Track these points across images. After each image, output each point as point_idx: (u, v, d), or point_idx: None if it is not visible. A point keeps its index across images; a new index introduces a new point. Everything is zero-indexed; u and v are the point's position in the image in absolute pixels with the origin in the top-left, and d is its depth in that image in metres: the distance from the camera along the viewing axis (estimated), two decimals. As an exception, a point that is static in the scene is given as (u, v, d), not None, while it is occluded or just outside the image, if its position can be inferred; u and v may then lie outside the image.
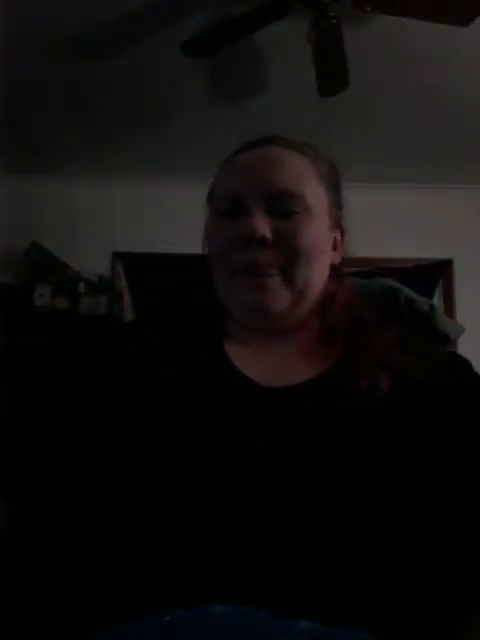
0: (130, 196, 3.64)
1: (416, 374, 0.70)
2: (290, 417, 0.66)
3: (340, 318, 0.79)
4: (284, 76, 2.70)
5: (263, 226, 0.73)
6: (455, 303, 3.49)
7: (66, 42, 2.55)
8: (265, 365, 0.74)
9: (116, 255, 3.58)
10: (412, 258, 3.39)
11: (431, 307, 0.94)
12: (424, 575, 0.56)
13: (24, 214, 3.51)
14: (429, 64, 2.66)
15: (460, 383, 0.73)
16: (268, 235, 0.73)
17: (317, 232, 0.77)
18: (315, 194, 0.77)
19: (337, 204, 0.82)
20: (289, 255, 0.74)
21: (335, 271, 0.82)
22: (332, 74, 2.42)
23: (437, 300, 3.40)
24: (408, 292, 0.95)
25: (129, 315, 3.43)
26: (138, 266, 3.56)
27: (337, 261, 0.83)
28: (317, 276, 0.78)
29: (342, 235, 0.83)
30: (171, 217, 3.55)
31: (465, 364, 0.77)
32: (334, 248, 0.82)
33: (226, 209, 0.77)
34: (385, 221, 3.38)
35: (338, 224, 0.83)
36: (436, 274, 3.54)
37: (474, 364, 0.78)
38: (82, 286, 3.34)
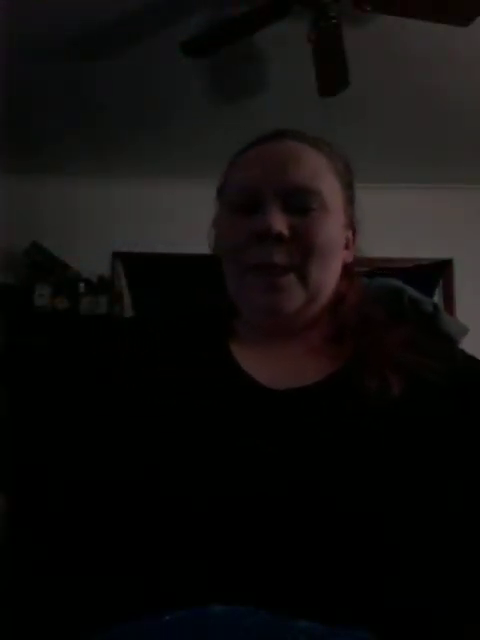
0: (130, 196, 3.64)
1: (427, 375, 0.68)
2: (296, 421, 0.64)
3: (350, 318, 0.77)
4: (284, 76, 2.70)
5: (279, 222, 0.71)
6: (455, 303, 3.49)
7: (66, 42, 2.55)
8: (272, 366, 0.72)
9: (116, 255, 3.59)
10: (412, 258, 3.39)
11: (435, 307, 0.92)
12: (425, 576, 0.56)
13: (24, 214, 3.51)
14: (429, 64, 2.66)
15: (473, 384, 0.70)
16: (284, 232, 0.71)
17: (333, 230, 0.75)
18: (331, 191, 0.76)
19: (351, 201, 0.81)
20: (305, 253, 0.72)
21: (347, 270, 0.80)
22: (332, 74, 2.42)
23: (437, 300, 3.40)
24: (412, 292, 0.93)
25: (129, 315, 3.44)
26: (138, 266, 3.56)
27: (349, 260, 0.81)
28: (331, 275, 0.76)
29: (354, 234, 0.82)
30: (171, 217, 3.56)
31: (478, 364, 0.74)
32: (346, 247, 0.80)
33: (240, 204, 0.75)
34: (385, 221, 3.38)
35: (351, 222, 0.81)
36: (436, 274, 3.54)
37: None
38: (82, 286, 3.34)
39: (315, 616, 0.50)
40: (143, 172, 3.58)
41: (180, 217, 3.55)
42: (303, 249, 0.72)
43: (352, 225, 0.81)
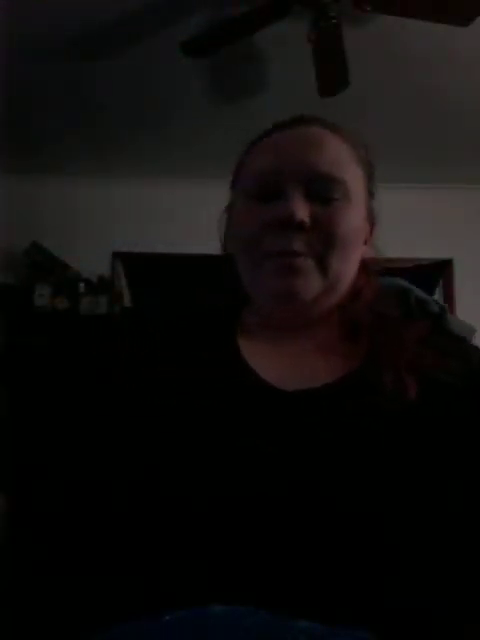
0: (130, 196, 3.64)
1: (443, 376, 0.65)
2: (306, 424, 0.61)
3: (364, 315, 0.74)
4: (284, 76, 2.71)
5: (302, 210, 0.68)
6: (455, 303, 3.49)
7: (66, 42, 2.55)
8: (281, 364, 0.69)
9: (116, 255, 3.59)
10: (412, 258, 3.39)
11: (442, 308, 0.90)
12: (427, 576, 0.55)
13: (24, 214, 3.51)
14: (429, 64, 2.66)
15: None
16: (306, 220, 0.68)
17: (355, 221, 0.72)
18: (354, 180, 0.73)
19: (372, 194, 0.78)
20: (326, 243, 0.69)
21: (364, 266, 0.77)
22: (332, 74, 2.42)
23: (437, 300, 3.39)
24: (418, 292, 0.90)
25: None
26: (138, 266, 3.56)
27: (367, 255, 0.78)
28: (350, 268, 0.73)
29: (372, 228, 0.79)
30: (171, 217, 3.56)
31: None
32: (364, 241, 0.77)
33: (258, 191, 0.72)
34: (385, 221, 3.37)
35: (371, 215, 0.78)
36: (436, 274, 3.54)
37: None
38: (82, 286, 3.34)
39: (315, 616, 0.50)
40: (143, 172, 3.58)
41: (180, 217, 3.55)
42: (324, 239, 0.69)
43: (371, 218, 0.78)
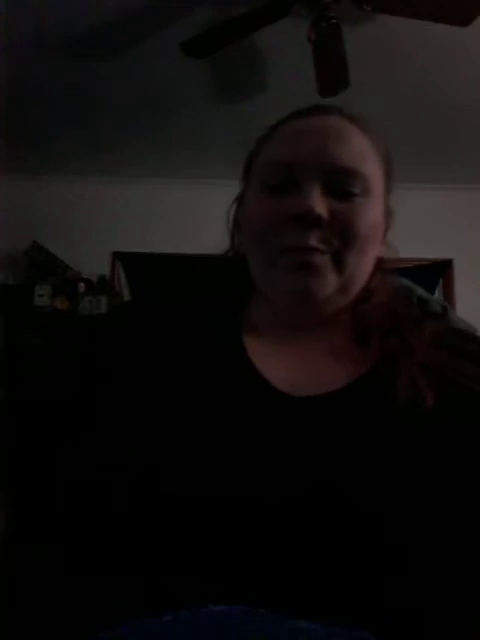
0: (130, 196, 3.64)
1: (461, 380, 0.61)
2: (317, 433, 0.58)
3: (377, 316, 0.70)
4: (284, 76, 2.71)
5: (320, 204, 0.64)
6: (455, 303, 3.49)
7: (66, 42, 2.55)
8: (290, 367, 0.65)
9: (116, 255, 3.59)
10: (412, 258, 3.39)
11: (444, 308, 0.89)
12: (428, 578, 0.55)
13: (24, 214, 3.51)
14: (429, 64, 2.66)
15: None
16: (325, 215, 0.64)
17: (374, 218, 0.69)
18: (375, 175, 0.70)
19: (389, 190, 0.74)
20: (343, 240, 0.66)
21: (379, 265, 0.74)
22: (332, 74, 2.42)
23: (437, 300, 3.39)
24: (421, 292, 0.88)
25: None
26: (138, 266, 3.57)
27: (383, 254, 0.74)
28: (366, 267, 0.70)
29: (387, 226, 0.75)
30: (171, 217, 3.56)
31: None
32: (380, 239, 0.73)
33: (275, 182, 0.68)
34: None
35: (388, 212, 0.74)
36: (436, 274, 3.54)
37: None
38: (82, 286, 3.35)
39: (315, 616, 0.50)
40: (143, 172, 3.59)
41: (180, 217, 3.56)
42: (342, 236, 0.66)
43: (388, 215, 0.75)
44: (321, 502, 0.55)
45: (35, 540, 0.63)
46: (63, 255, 3.44)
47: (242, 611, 0.50)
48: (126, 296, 3.56)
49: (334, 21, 2.16)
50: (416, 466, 0.56)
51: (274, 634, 0.49)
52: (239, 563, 0.53)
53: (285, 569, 0.53)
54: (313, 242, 0.65)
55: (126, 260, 3.59)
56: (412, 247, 3.51)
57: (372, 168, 0.69)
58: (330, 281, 0.66)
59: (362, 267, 0.69)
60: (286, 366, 0.65)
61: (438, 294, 3.53)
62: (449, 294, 3.55)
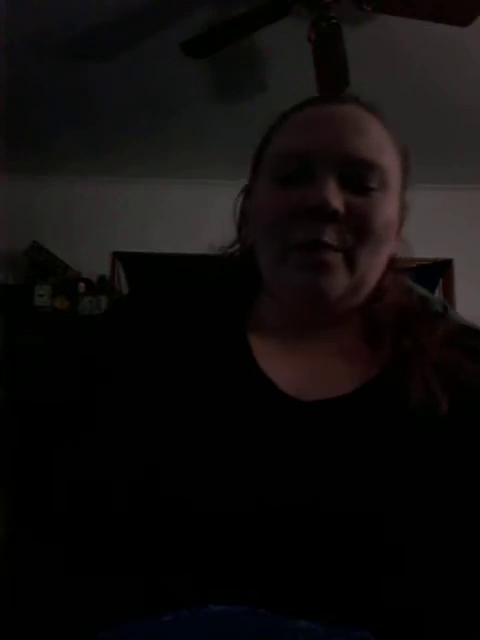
0: (130, 196, 3.64)
1: (475, 380, 0.59)
2: (327, 441, 0.56)
3: (388, 316, 0.67)
4: (284, 76, 2.70)
5: (337, 198, 0.61)
6: (455, 303, 3.49)
7: (66, 42, 2.55)
8: (298, 369, 0.63)
9: (116, 255, 3.59)
10: (412, 258, 3.39)
11: (445, 307, 0.88)
12: (428, 578, 0.55)
13: (24, 214, 3.51)
14: (429, 64, 2.66)
15: None
16: (341, 209, 0.61)
17: (391, 214, 0.65)
18: (392, 168, 0.66)
19: (406, 186, 0.70)
20: (358, 237, 0.62)
21: (392, 263, 0.70)
22: (332, 74, 2.41)
23: (437, 300, 3.39)
24: (421, 290, 0.84)
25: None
26: (138, 266, 3.57)
27: (396, 252, 0.71)
28: (379, 265, 0.67)
29: (402, 222, 0.72)
30: (171, 217, 3.56)
31: None
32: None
33: (287, 173, 0.64)
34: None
35: (403, 208, 0.71)
36: (436, 274, 3.54)
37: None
38: (82, 286, 3.35)
39: (315, 616, 0.50)
40: (143, 172, 3.59)
41: (180, 217, 3.56)
42: (357, 232, 0.62)
43: (403, 212, 0.71)
44: (325, 506, 0.54)
45: (35, 540, 0.63)
46: (63, 255, 3.44)
47: (242, 611, 0.50)
48: (126, 296, 3.56)
49: (334, 21, 2.16)
50: (426, 472, 0.55)
51: (274, 634, 0.49)
52: (239, 563, 0.53)
53: (285, 569, 0.53)
54: (327, 238, 0.61)
55: (126, 260, 3.59)
56: (412, 247, 3.51)
57: (390, 161, 0.66)
58: (342, 280, 0.63)
59: (376, 266, 0.66)
60: (292, 367, 0.63)
61: (438, 294, 3.53)
62: (449, 294, 3.55)
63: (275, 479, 0.55)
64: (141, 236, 3.53)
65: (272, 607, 0.50)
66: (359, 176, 0.63)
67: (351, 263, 0.63)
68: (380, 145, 0.65)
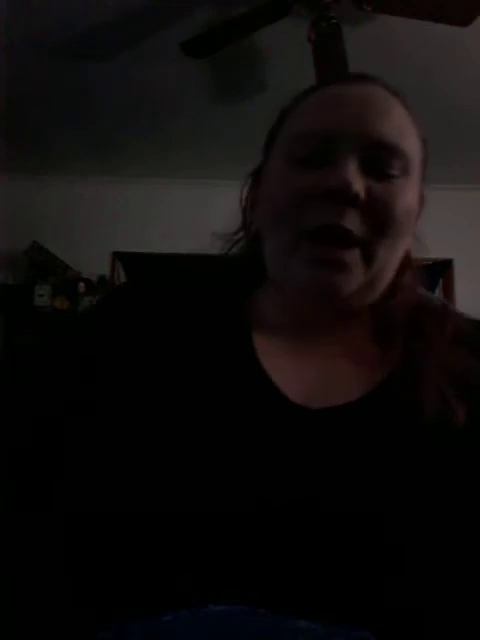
0: (130, 196, 3.64)
1: None
2: (336, 452, 0.53)
3: (399, 315, 0.63)
4: (284, 76, 2.70)
5: (359, 181, 0.56)
6: (455, 303, 3.49)
7: (66, 42, 2.55)
8: (304, 372, 0.59)
9: (116, 255, 3.59)
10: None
11: (445, 306, 0.86)
12: (429, 578, 0.55)
13: (24, 214, 3.51)
14: (429, 64, 2.66)
15: None
16: (362, 194, 0.56)
17: (412, 203, 0.62)
18: (415, 157, 0.62)
19: (424, 178, 0.66)
20: (378, 226, 0.58)
21: (407, 260, 0.67)
22: (332, 74, 2.41)
23: (437, 300, 3.40)
24: (420, 289, 0.82)
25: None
26: (138, 266, 3.57)
27: (410, 246, 0.67)
28: (395, 259, 0.63)
29: (418, 216, 0.68)
30: (171, 217, 3.56)
31: None
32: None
33: (304, 154, 0.59)
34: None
35: (422, 201, 0.67)
36: (436, 274, 3.54)
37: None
38: (82, 286, 3.35)
39: (316, 616, 0.50)
40: (143, 172, 3.58)
41: (180, 217, 3.56)
42: (378, 221, 0.58)
43: (421, 204, 0.67)
44: (326, 508, 0.54)
45: (34, 540, 0.63)
46: (63, 255, 3.44)
47: (242, 611, 0.50)
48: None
49: (334, 21, 2.16)
50: (433, 479, 0.53)
51: (274, 634, 0.49)
52: (239, 563, 0.53)
53: (286, 569, 0.53)
54: (346, 223, 0.56)
55: (126, 260, 3.59)
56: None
57: (413, 147, 0.62)
58: (357, 277, 0.58)
59: (392, 260, 0.62)
60: (297, 369, 0.60)
61: (438, 294, 3.53)
62: (449, 294, 3.55)
63: (276, 481, 0.54)
64: (141, 236, 3.54)
65: (272, 607, 0.50)
66: (381, 161, 0.59)
67: (368, 259, 0.58)
68: (402, 129, 0.61)
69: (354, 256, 0.58)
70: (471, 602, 0.55)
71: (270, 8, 2.17)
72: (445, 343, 0.60)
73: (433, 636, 0.53)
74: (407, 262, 0.67)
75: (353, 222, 0.57)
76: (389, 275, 0.63)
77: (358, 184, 0.56)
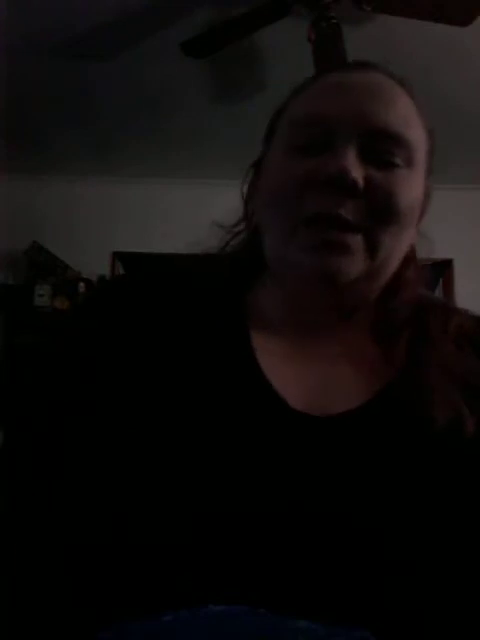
0: (130, 196, 3.64)
1: None
2: (340, 459, 0.52)
3: (403, 314, 0.61)
4: (284, 76, 2.70)
5: (357, 169, 0.55)
6: (455, 303, 3.49)
7: (66, 42, 2.55)
8: (302, 373, 0.58)
9: (116, 255, 3.59)
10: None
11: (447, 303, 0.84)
12: (429, 578, 0.55)
13: (24, 214, 3.51)
14: (429, 64, 2.66)
15: None
16: (360, 182, 0.55)
17: (416, 194, 0.60)
18: (420, 146, 0.60)
19: (430, 171, 0.64)
20: (379, 216, 0.56)
21: (411, 255, 0.65)
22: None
23: (437, 300, 3.40)
24: (420, 289, 0.84)
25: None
26: (138, 266, 3.57)
27: (415, 241, 0.66)
28: (400, 251, 0.61)
29: (423, 210, 0.66)
30: (171, 217, 3.56)
31: None
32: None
33: (304, 141, 0.58)
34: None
35: (428, 195, 0.65)
36: (436, 274, 3.54)
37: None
38: (82, 286, 3.35)
39: (316, 616, 0.50)
40: (143, 172, 3.58)
41: (180, 217, 3.56)
42: (378, 210, 0.56)
43: (426, 198, 0.65)
44: (327, 510, 0.53)
45: (34, 540, 0.63)
46: (63, 255, 3.44)
47: (242, 611, 0.50)
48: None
49: (334, 21, 2.16)
50: (437, 488, 0.52)
51: (274, 634, 0.49)
52: (240, 563, 0.53)
53: (286, 569, 0.53)
54: (345, 212, 0.55)
55: (126, 260, 3.59)
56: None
57: (417, 137, 0.60)
58: (359, 263, 0.56)
59: (396, 251, 0.60)
60: (297, 371, 0.58)
61: (438, 294, 3.53)
62: (449, 294, 3.55)
63: (277, 484, 0.54)
64: (141, 236, 3.54)
65: (272, 607, 0.50)
66: (383, 149, 0.57)
67: (372, 246, 0.56)
68: (408, 119, 0.60)
69: (356, 241, 0.56)
70: (471, 603, 0.55)
71: (270, 8, 2.17)
72: (449, 343, 0.59)
73: (433, 636, 0.53)
74: (412, 256, 0.66)
75: (352, 211, 0.55)
76: (393, 266, 0.61)
77: (357, 172, 0.55)
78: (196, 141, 3.25)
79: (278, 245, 0.60)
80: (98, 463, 0.59)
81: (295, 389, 0.56)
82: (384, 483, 0.52)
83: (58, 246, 3.44)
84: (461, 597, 0.55)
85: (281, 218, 0.58)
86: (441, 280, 3.60)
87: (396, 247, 0.59)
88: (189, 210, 3.55)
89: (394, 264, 0.61)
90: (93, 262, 3.48)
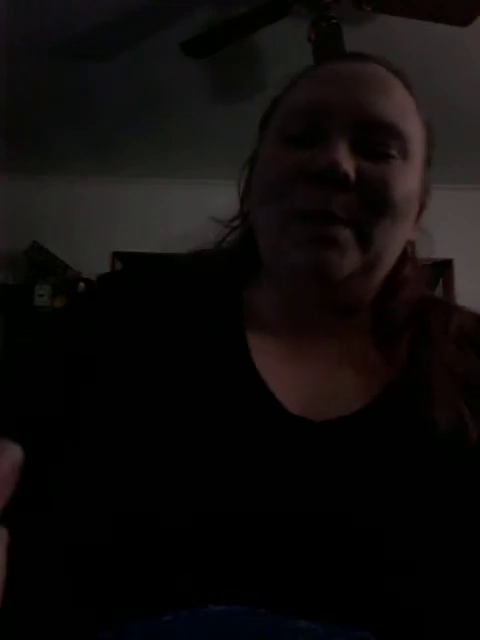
0: (130, 196, 3.65)
1: None
2: (339, 466, 0.51)
3: (402, 315, 0.60)
4: (284, 76, 2.70)
5: (348, 161, 0.53)
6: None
7: (66, 42, 2.55)
8: (299, 376, 0.56)
9: (116, 255, 3.59)
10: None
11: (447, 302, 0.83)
12: (430, 579, 0.55)
13: (24, 214, 3.51)
14: (429, 64, 2.66)
15: None
16: (352, 174, 0.53)
17: (411, 188, 0.58)
18: (416, 138, 0.58)
19: (429, 163, 0.62)
20: (372, 209, 0.54)
21: (409, 253, 0.64)
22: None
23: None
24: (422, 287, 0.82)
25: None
26: (138, 266, 3.56)
27: (414, 238, 0.64)
28: (395, 247, 0.59)
29: (422, 207, 0.64)
30: (171, 217, 3.56)
31: None
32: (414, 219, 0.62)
33: (296, 131, 0.57)
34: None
35: (425, 189, 0.63)
36: (436, 274, 3.54)
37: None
38: (82, 286, 3.35)
39: (316, 616, 0.50)
40: (143, 172, 3.59)
41: (180, 217, 3.56)
42: (371, 204, 0.54)
43: (424, 193, 0.64)
44: (327, 512, 0.53)
45: (34, 540, 0.63)
46: (63, 255, 3.44)
47: (242, 611, 0.50)
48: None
49: (334, 21, 2.16)
50: (438, 493, 0.52)
51: (274, 634, 0.49)
52: (240, 563, 0.53)
53: (286, 569, 0.53)
54: (335, 208, 0.53)
55: (126, 260, 3.59)
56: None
57: (414, 128, 0.58)
58: (352, 257, 0.55)
59: (391, 247, 0.58)
60: (295, 373, 0.57)
61: (438, 294, 3.54)
62: (449, 294, 3.55)
63: (277, 486, 0.54)
64: (141, 236, 3.54)
65: (272, 607, 0.50)
66: (378, 140, 0.55)
67: (364, 239, 0.55)
68: (403, 109, 0.58)
69: (346, 234, 0.54)
70: (471, 603, 0.55)
71: (270, 8, 2.17)
72: (450, 343, 0.58)
73: (433, 636, 0.53)
74: (410, 254, 0.65)
75: (343, 206, 0.54)
76: (389, 261, 0.60)
77: (348, 164, 0.53)
78: (196, 141, 3.25)
79: (270, 241, 0.59)
80: (97, 463, 0.59)
81: (292, 392, 0.55)
82: (383, 485, 0.52)
83: (58, 246, 3.44)
84: (461, 597, 0.55)
85: (271, 213, 0.57)
86: (441, 280, 3.61)
87: (390, 240, 0.57)
88: (189, 210, 3.55)
89: (390, 259, 0.60)
90: (93, 262, 3.48)
